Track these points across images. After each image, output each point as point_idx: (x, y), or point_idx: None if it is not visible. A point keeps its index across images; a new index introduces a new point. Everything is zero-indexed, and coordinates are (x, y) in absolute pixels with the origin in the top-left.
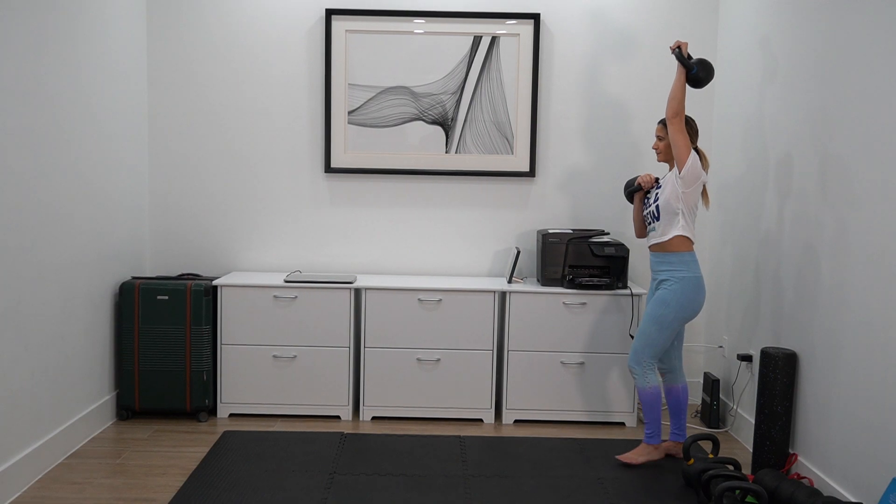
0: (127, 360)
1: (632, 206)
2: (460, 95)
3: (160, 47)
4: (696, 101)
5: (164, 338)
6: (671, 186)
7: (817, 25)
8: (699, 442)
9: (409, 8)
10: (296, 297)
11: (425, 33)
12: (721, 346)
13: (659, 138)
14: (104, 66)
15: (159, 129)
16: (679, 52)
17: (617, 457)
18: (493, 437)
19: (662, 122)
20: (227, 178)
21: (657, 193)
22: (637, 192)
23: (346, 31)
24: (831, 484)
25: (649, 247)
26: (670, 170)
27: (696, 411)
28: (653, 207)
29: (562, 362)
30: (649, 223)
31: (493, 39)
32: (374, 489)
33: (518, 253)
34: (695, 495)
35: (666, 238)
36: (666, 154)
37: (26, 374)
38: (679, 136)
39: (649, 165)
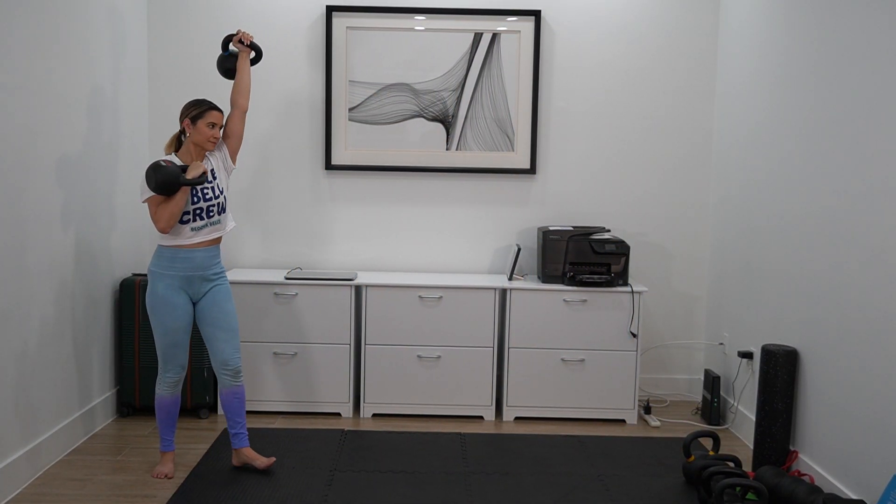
0: (127, 356)
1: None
2: (461, 92)
3: (161, 43)
4: (697, 102)
5: None
6: (226, 178)
7: (817, 25)
8: (700, 439)
9: (410, 5)
10: (296, 294)
11: (426, 30)
12: (722, 343)
13: (220, 127)
14: (105, 62)
15: (159, 126)
16: (253, 43)
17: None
18: (494, 435)
19: (220, 111)
20: None
21: (217, 185)
22: (199, 183)
23: (347, 27)
24: (832, 481)
25: (200, 242)
26: (203, 159)
27: (697, 408)
28: (221, 199)
29: (562, 359)
30: (210, 216)
31: (494, 36)
32: (374, 486)
33: (518, 250)
34: (695, 492)
35: (227, 230)
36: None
37: (27, 370)
38: (243, 127)
39: (649, 164)
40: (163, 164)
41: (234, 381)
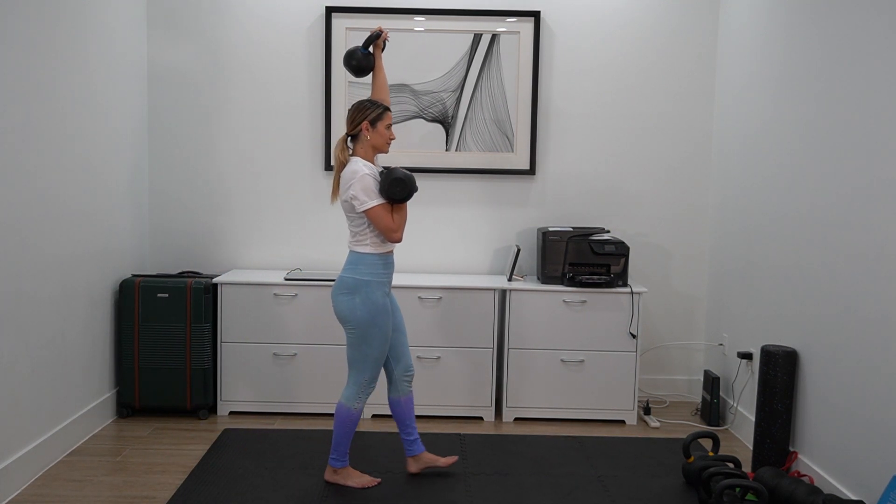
0: (127, 357)
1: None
2: (460, 93)
3: (160, 44)
4: (697, 102)
5: (164, 335)
6: None
7: (817, 26)
8: (699, 440)
9: (410, 6)
10: (296, 294)
11: (425, 31)
12: (721, 344)
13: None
14: (105, 63)
15: (160, 127)
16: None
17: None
18: (494, 435)
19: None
20: (227, 176)
21: None
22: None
23: (346, 28)
24: (831, 482)
25: (390, 251)
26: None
27: (697, 409)
28: None
29: (562, 360)
30: None
31: (494, 37)
32: (374, 487)
33: (518, 251)
34: (695, 493)
35: None
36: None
37: (26, 371)
38: None
39: (649, 165)
40: (403, 170)
41: (410, 386)
